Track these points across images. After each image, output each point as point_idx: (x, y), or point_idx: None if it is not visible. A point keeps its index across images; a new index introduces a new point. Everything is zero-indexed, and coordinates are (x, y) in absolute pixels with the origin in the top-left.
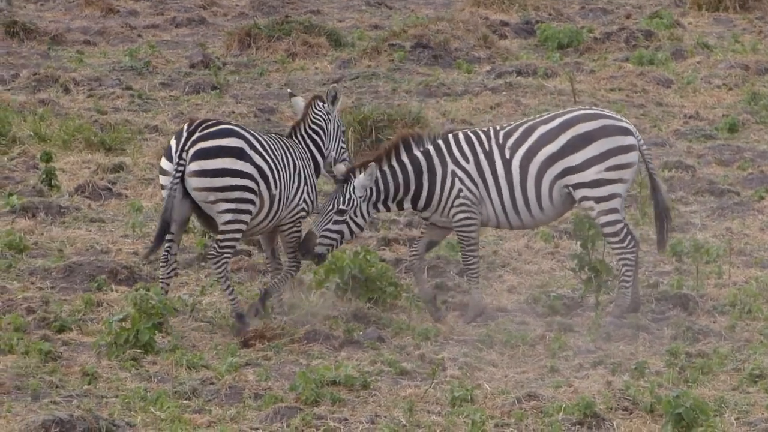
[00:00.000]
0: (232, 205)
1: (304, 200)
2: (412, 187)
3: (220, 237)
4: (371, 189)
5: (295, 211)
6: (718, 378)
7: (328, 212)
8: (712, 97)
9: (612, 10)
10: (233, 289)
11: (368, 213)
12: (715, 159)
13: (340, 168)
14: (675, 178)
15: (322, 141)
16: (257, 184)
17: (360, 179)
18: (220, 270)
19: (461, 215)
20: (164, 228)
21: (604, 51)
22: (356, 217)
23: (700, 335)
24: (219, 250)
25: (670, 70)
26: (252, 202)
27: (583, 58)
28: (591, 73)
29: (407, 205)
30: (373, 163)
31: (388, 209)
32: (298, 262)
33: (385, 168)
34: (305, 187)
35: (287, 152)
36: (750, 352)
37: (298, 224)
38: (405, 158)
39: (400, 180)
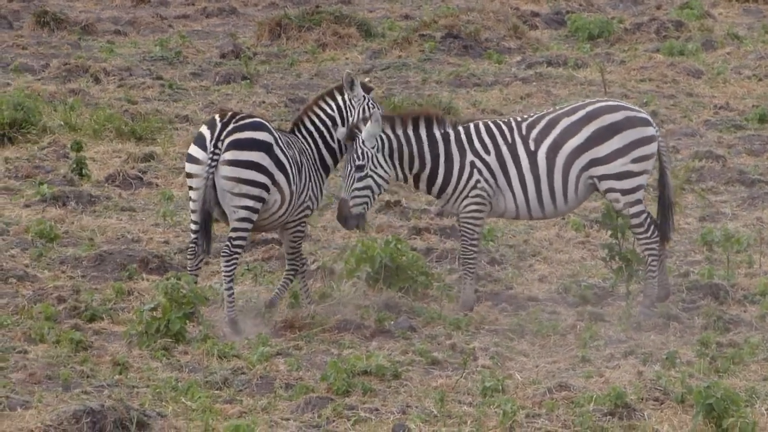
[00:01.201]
0: (250, 202)
1: (310, 197)
2: (428, 165)
3: (232, 234)
4: (384, 141)
5: (302, 208)
6: (749, 368)
7: (349, 174)
8: (743, 88)
9: (642, 1)
10: (234, 293)
11: (387, 164)
12: (746, 149)
13: (342, 131)
14: (705, 168)
15: (331, 135)
16: (275, 182)
17: (367, 128)
18: (230, 269)
19: (473, 206)
20: (206, 219)
21: (635, 41)
22: (377, 168)
23: (730, 325)
24: (232, 249)
25: (701, 61)
26: (264, 200)
27: (614, 49)
28: (621, 64)
29: (423, 185)
30: (376, 110)
31: (405, 179)
32: (296, 267)
33: (399, 132)
34: (309, 184)
35: (294, 148)
36: None
37: (303, 223)
38: (423, 133)
39: (415, 151)
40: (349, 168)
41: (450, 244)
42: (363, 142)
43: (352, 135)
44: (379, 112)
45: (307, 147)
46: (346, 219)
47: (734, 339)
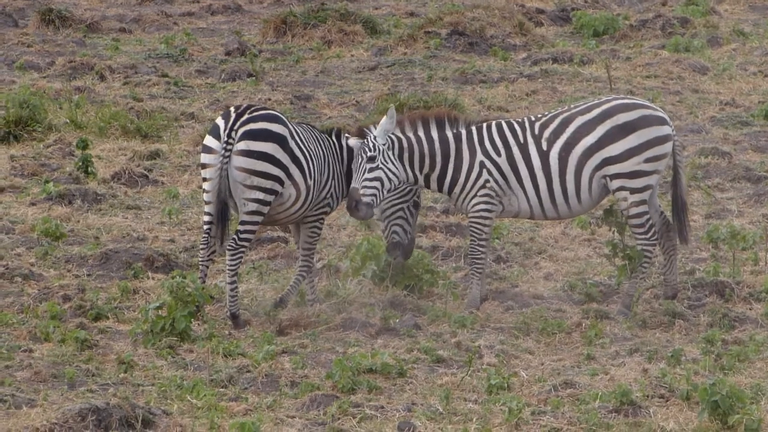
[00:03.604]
0: (261, 195)
1: (331, 195)
2: (438, 167)
3: (240, 228)
4: (394, 142)
5: (322, 204)
6: (755, 365)
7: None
8: (748, 84)
9: None
10: (237, 287)
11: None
12: (752, 145)
13: (352, 141)
14: (711, 165)
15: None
16: (290, 176)
17: (382, 123)
18: (234, 263)
19: (482, 206)
20: (223, 209)
21: (640, 38)
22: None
23: (736, 322)
24: (239, 242)
25: (706, 57)
26: (277, 194)
27: (619, 46)
28: (627, 60)
29: (433, 184)
30: (392, 105)
31: (416, 179)
32: (310, 264)
33: (410, 134)
34: (332, 182)
35: (318, 143)
36: None
37: (321, 220)
38: (434, 134)
39: (426, 151)
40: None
41: (455, 242)
42: (375, 137)
43: (362, 133)
44: (394, 108)
45: (336, 149)
46: (356, 205)
47: (739, 336)
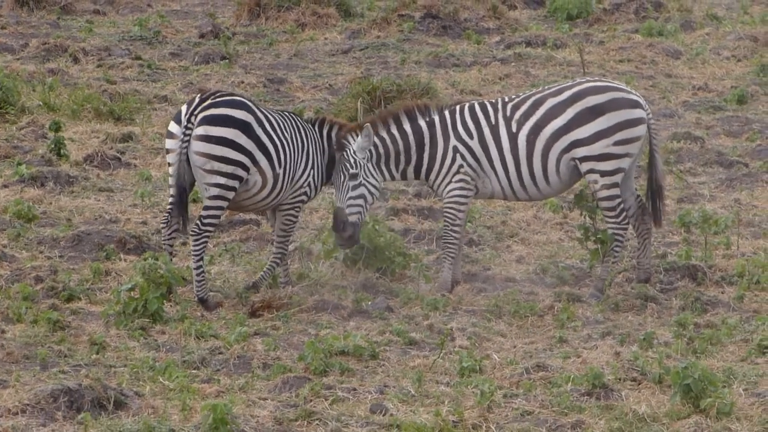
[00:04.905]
0: (222, 180)
1: (308, 184)
2: (414, 158)
3: (203, 213)
4: (372, 150)
5: (298, 193)
6: (727, 349)
7: (343, 183)
8: (721, 69)
9: None
10: (204, 271)
11: (377, 173)
12: (724, 130)
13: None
14: (684, 150)
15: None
16: (255, 162)
17: (358, 141)
18: (199, 248)
19: (457, 191)
20: (181, 194)
21: (614, 22)
22: (369, 177)
23: (708, 306)
24: (202, 227)
25: (680, 42)
26: (241, 179)
27: (593, 29)
28: (600, 44)
29: (411, 175)
30: (368, 123)
31: (392, 177)
32: (284, 251)
33: (384, 134)
34: (312, 171)
35: (298, 132)
36: (758, 323)
37: (297, 208)
38: (407, 127)
39: (401, 147)
40: (342, 177)
41: (428, 225)
42: (354, 152)
43: (342, 146)
44: (370, 127)
45: (319, 139)
46: (343, 226)
47: (712, 320)
